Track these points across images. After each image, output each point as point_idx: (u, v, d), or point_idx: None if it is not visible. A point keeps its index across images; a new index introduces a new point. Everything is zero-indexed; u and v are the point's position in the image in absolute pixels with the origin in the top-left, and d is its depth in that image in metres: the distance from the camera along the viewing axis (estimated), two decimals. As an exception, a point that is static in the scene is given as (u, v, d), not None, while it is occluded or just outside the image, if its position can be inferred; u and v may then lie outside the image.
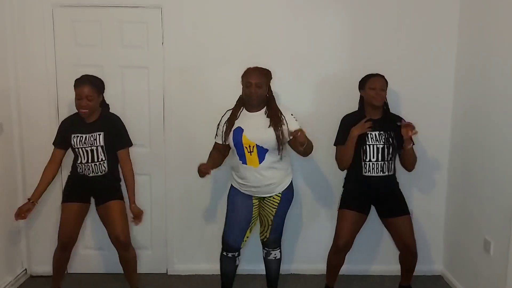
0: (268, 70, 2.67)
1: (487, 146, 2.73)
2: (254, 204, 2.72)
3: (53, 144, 2.83)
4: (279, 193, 2.70)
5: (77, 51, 3.12)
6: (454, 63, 3.14)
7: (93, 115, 2.75)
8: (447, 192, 3.26)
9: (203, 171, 2.54)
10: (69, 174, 2.89)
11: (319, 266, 3.20)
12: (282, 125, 2.59)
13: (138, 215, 2.84)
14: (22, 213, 2.72)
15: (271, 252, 2.83)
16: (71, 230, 2.80)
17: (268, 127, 2.58)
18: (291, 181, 2.77)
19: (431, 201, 3.28)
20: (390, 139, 2.70)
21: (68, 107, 3.14)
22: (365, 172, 2.72)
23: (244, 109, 2.67)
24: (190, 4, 3.09)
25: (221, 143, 2.70)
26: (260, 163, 2.60)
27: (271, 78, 2.69)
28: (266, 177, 2.62)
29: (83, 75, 2.74)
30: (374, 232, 3.25)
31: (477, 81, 2.85)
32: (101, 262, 3.34)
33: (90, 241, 3.30)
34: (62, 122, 2.86)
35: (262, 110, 2.66)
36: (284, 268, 3.31)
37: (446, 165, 3.25)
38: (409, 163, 2.79)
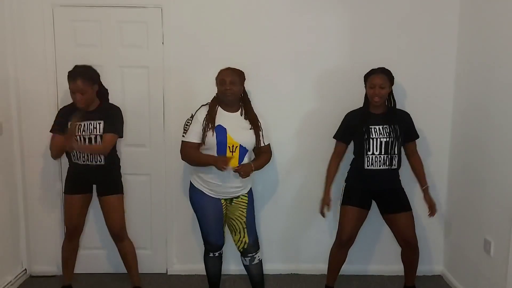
0: (241, 71, 2.68)
1: (487, 146, 2.72)
2: (222, 204, 2.70)
3: (50, 131, 2.77)
4: (245, 193, 2.73)
5: (77, 51, 3.11)
6: (454, 61, 3.13)
7: (91, 105, 2.75)
8: (447, 192, 3.26)
9: (226, 162, 2.50)
10: (68, 165, 2.89)
11: (319, 266, 3.20)
12: (260, 130, 2.68)
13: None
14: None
15: (254, 256, 2.76)
16: (75, 219, 2.86)
17: (250, 129, 2.65)
18: (251, 186, 2.82)
19: (431, 201, 3.28)
20: (395, 133, 2.71)
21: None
22: (368, 166, 2.73)
23: (219, 108, 2.65)
24: (190, 3, 3.09)
25: (199, 142, 2.60)
26: (239, 164, 2.61)
27: (245, 79, 2.70)
28: (238, 179, 2.62)
29: (75, 67, 2.69)
30: (374, 232, 3.26)
31: (478, 80, 2.85)
32: (102, 262, 3.34)
33: (90, 241, 3.30)
34: (60, 110, 2.84)
35: (238, 111, 2.67)
36: (284, 268, 3.33)
37: (446, 165, 3.24)
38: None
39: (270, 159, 2.81)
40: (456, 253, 3.16)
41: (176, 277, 3.32)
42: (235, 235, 2.76)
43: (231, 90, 2.58)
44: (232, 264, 3.28)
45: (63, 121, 2.74)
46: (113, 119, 2.77)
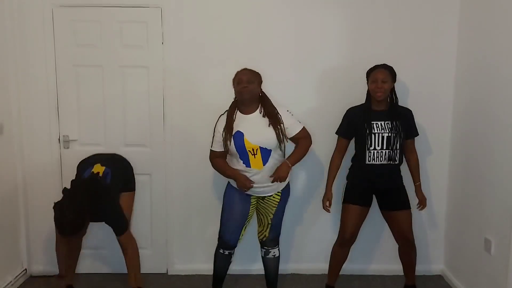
0: (258, 72, 2.68)
1: (488, 145, 2.72)
2: (252, 203, 2.72)
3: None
4: (279, 191, 2.72)
5: (77, 51, 3.12)
6: (455, 58, 3.13)
7: None
8: (448, 191, 3.26)
9: (247, 185, 2.57)
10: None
11: (319, 266, 3.20)
12: (280, 124, 2.59)
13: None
14: None
15: (270, 250, 2.83)
16: None
17: (268, 126, 2.58)
18: (289, 181, 2.79)
19: (431, 200, 3.27)
20: (397, 128, 2.71)
21: (68, 108, 3.16)
22: (369, 161, 2.73)
23: (238, 111, 2.64)
24: (190, 3, 3.09)
25: (222, 150, 2.66)
26: (264, 165, 2.59)
27: (261, 80, 2.69)
28: (269, 178, 2.61)
29: (64, 221, 2.41)
30: (375, 232, 3.26)
31: (478, 78, 2.85)
32: (102, 262, 3.34)
33: (90, 241, 3.29)
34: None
35: (257, 110, 2.64)
36: (284, 268, 3.31)
37: (447, 164, 3.24)
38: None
39: (310, 143, 2.72)
40: (456, 252, 3.16)
41: (176, 277, 3.32)
42: (259, 226, 2.82)
43: (248, 89, 2.56)
44: (234, 263, 3.26)
45: None
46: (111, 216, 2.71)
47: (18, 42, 3.09)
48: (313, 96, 3.18)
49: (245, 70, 2.66)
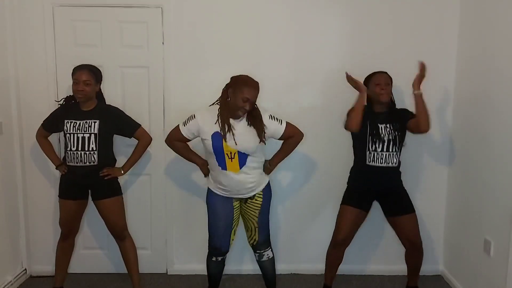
0: (258, 83, 2.53)
1: (487, 146, 2.73)
2: (235, 207, 2.67)
3: (42, 124, 2.88)
4: (260, 192, 2.68)
5: (77, 50, 3.11)
6: (455, 59, 3.14)
7: (89, 104, 2.74)
8: (447, 192, 3.27)
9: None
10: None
11: (319, 266, 3.19)
12: (264, 133, 2.54)
13: (111, 173, 2.79)
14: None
15: (263, 253, 2.79)
16: (70, 223, 2.86)
17: (249, 133, 2.53)
18: (268, 180, 2.75)
19: (431, 201, 3.28)
20: (396, 131, 2.71)
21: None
22: (369, 162, 2.73)
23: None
24: (191, 3, 3.09)
25: (188, 138, 2.64)
26: (240, 168, 2.55)
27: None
28: (247, 180, 2.59)
29: (81, 64, 2.77)
30: (374, 232, 3.26)
31: (478, 79, 2.85)
32: (101, 262, 3.34)
33: (90, 241, 3.30)
34: (58, 108, 2.86)
35: (244, 118, 2.56)
36: (284, 268, 3.32)
37: (446, 165, 3.25)
38: (422, 120, 2.64)
39: (298, 139, 2.68)
40: (456, 253, 3.17)
41: (176, 277, 3.32)
42: (247, 231, 2.78)
43: (247, 109, 2.48)
44: (232, 264, 3.28)
45: (58, 120, 2.78)
46: (121, 120, 2.83)
47: (19, 42, 3.09)
48: (312, 98, 3.18)
49: (255, 90, 2.47)
